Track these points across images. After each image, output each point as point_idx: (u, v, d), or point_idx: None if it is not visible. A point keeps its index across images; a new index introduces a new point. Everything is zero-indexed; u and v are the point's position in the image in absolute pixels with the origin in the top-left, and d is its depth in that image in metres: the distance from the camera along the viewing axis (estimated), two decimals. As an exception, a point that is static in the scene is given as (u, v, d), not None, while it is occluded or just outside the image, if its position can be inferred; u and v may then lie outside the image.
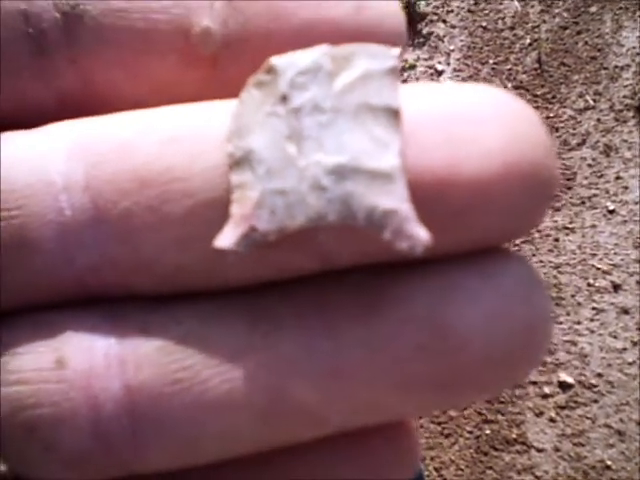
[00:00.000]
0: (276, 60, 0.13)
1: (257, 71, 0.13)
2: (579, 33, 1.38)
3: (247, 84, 0.13)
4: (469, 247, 0.13)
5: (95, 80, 0.14)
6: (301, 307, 0.14)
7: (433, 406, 0.15)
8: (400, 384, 0.13)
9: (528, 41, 1.38)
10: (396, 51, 0.13)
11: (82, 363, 0.13)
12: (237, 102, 0.13)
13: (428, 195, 0.12)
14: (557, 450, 1.15)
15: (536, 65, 1.38)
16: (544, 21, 1.39)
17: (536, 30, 1.38)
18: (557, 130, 1.33)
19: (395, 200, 0.12)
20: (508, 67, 1.38)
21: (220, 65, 0.14)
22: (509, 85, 1.37)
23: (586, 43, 1.38)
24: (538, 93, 1.36)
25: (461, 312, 0.13)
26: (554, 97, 1.36)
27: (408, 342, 0.13)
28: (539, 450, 1.15)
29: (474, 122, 0.13)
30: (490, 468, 1.14)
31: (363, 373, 0.13)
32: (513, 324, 0.13)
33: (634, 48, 1.37)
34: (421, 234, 0.12)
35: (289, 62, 0.13)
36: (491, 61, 1.39)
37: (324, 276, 0.14)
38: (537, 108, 1.35)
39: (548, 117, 1.35)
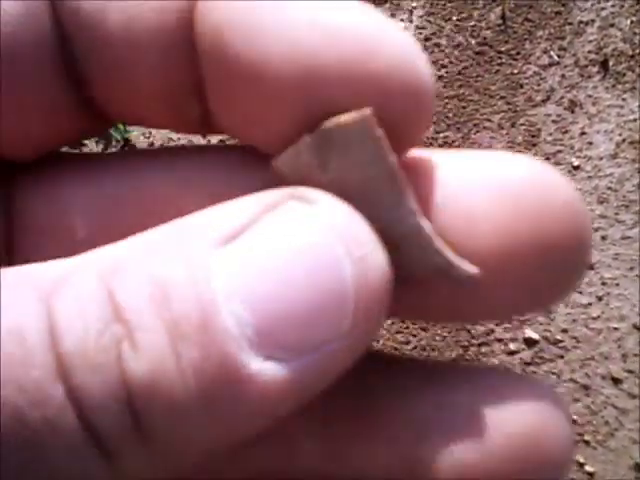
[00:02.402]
0: None
1: None
2: (543, -12, 1.36)
3: None
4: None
5: None
6: None
7: None
8: None
9: (491, -3, 1.36)
10: (366, 111, 0.11)
11: None
12: None
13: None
14: (523, 406, 1.14)
15: (500, 21, 1.36)
16: (508, -24, 1.36)
17: (499, -15, 1.36)
18: (521, 87, 1.31)
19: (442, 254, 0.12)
20: (472, 23, 1.36)
21: None
22: (473, 42, 1.34)
23: (550, -2, 1.36)
24: (502, 49, 1.34)
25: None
26: (518, 53, 1.34)
27: None
28: (505, 407, 1.14)
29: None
30: (456, 426, 1.13)
31: None
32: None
33: (598, 2, 1.36)
34: (469, 268, 0.12)
35: None
36: (454, 17, 1.37)
37: None
38: (501, 65, 1.33)
39: (512, 73, 1.33)
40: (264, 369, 0.09)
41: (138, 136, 1.28)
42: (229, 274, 0.09)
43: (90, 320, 0.09)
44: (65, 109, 0.14)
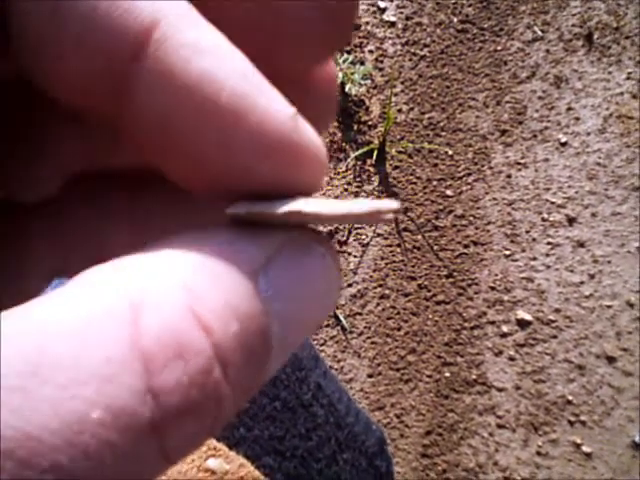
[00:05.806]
0: None
1: None
2: (524, -39, 1.33)
3: None
4: None
5: None
6: None
7: None
8: None
9: (472, -28, 1.33)
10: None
11: None
12: None
13: None
14: (518, 388, 1.13)
15: (482, -3, 1.33)
16: (488, -49, 1.33)
17: (480, -40, 1.33)
18: (506, 63, 1.29)
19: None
20: (453, 1, 1.33)
21: None
22: (455, 19, 1.31)
23: (532, -28, 1.33)
24: (485, 26, 1.31)
25: None
26: (501, 29, 1.31)
27: None
28: (500, 389, 1.13)
29: None
30: (451, 411, 1.12)
31: None
32: None
33: (581, -25, 1.33)
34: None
35: None
36: (435, -5, 1.33)
37: None
38: (484, 42, 1.31)
39: (496, 50, 1.30)
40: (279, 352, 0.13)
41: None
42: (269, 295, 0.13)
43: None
44: None
